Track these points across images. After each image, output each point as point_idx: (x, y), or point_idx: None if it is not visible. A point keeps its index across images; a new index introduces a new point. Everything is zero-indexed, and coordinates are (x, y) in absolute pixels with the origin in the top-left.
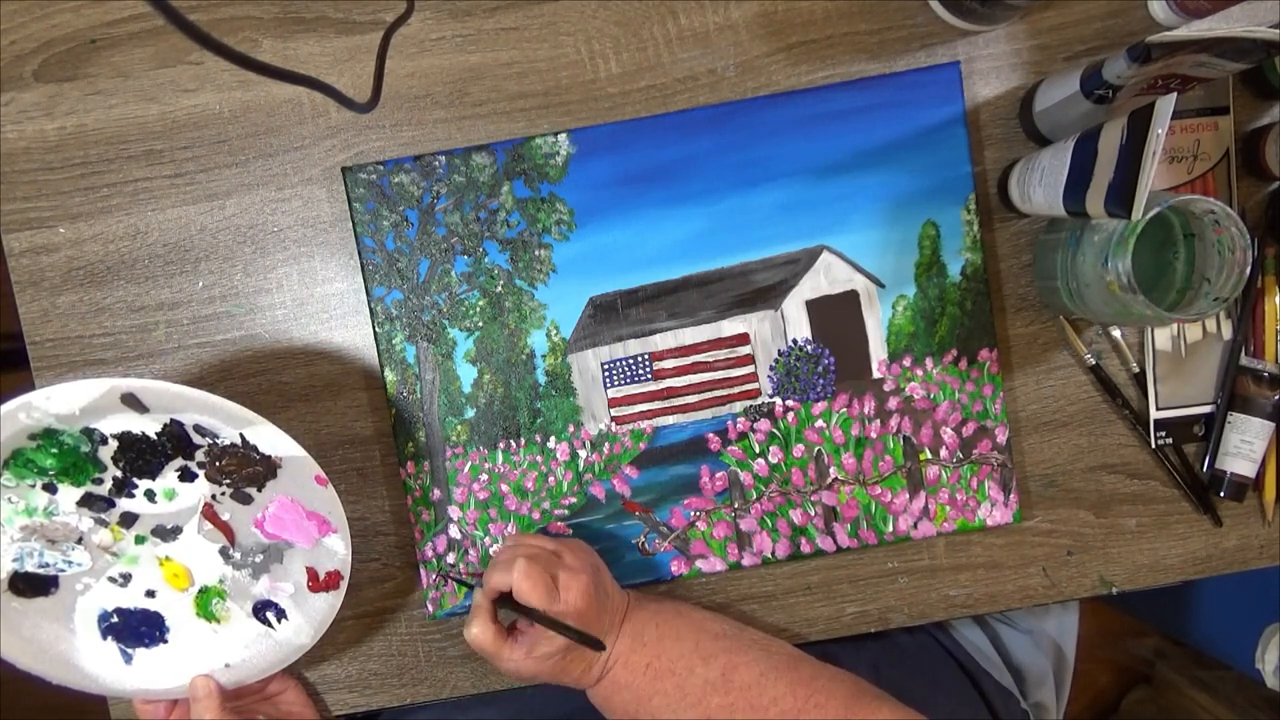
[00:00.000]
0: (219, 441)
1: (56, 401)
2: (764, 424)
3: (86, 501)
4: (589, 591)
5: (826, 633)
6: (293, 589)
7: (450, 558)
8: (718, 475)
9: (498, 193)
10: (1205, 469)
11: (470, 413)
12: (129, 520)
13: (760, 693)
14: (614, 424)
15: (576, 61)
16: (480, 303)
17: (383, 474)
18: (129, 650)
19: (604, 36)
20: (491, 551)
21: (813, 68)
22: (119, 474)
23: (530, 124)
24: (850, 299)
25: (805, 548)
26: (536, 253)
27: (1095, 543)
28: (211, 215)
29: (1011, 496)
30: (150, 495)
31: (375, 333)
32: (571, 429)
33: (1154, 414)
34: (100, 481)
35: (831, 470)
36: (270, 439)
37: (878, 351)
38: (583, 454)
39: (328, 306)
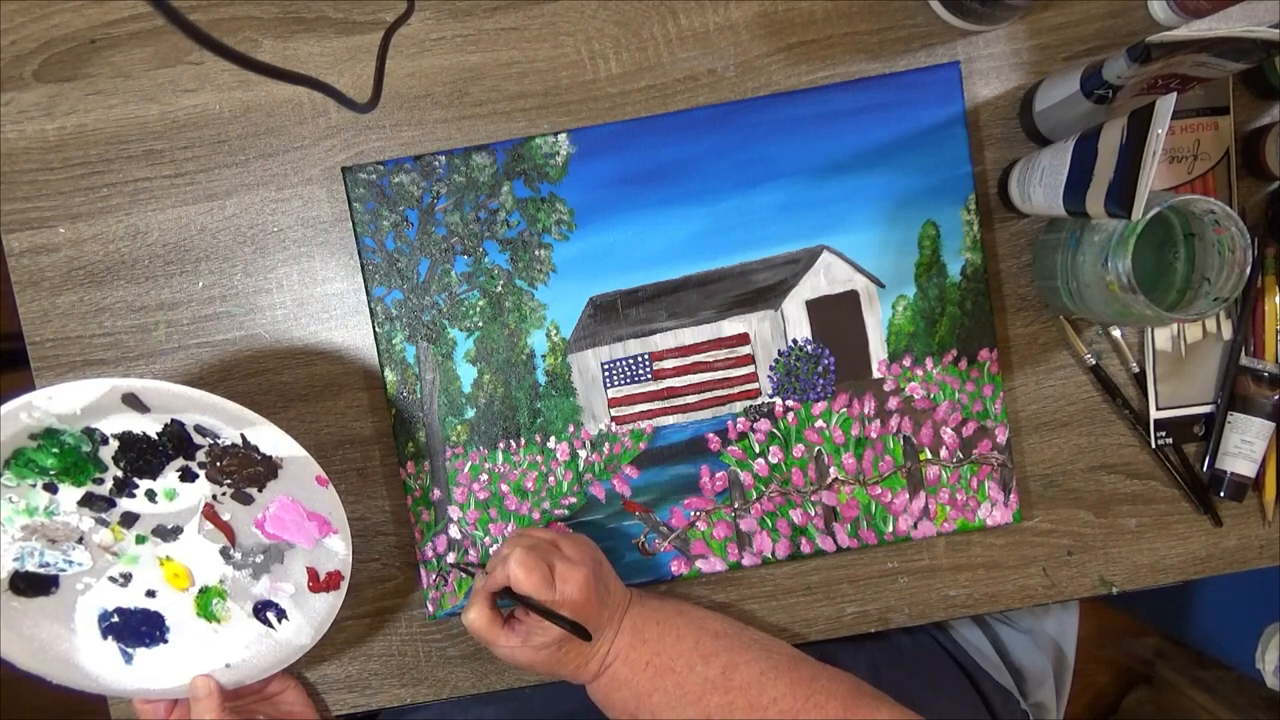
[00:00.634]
0: (220, 442)
1: (58, 401)
2: (764, 424)
3: (87, 501)
4: (587, 585)
5: (826, 633)
6: (293, 589)
7: (450, 558)
8: (718, 475)
9: (498, 193)
10: (1205, 469)
11: (470, 413)
12: (130, 520)
13: (760, 692)
14: (614, 424)
15: (576, 61)
16: (480, 303)
17: (383, 474)
18: (129, 650)
19: (604, 36)
20: (492, 551)
21: (813, 68)
22: (120, 474)
23: (530, 124)
24: (850, 299)
25: (805, 548)
26: (536, 253)
27: (1095, 543)
28: (211, 215)
29: (1011, 496)
30: (151, 495)
31: (375, 333)
32: (571, 429)
33: (1154, 414)
34: (101, 481)
35: (831, 470)
36: (271, 439)
37: (878, 351)
38: (583, 454)
39: (328, 306)
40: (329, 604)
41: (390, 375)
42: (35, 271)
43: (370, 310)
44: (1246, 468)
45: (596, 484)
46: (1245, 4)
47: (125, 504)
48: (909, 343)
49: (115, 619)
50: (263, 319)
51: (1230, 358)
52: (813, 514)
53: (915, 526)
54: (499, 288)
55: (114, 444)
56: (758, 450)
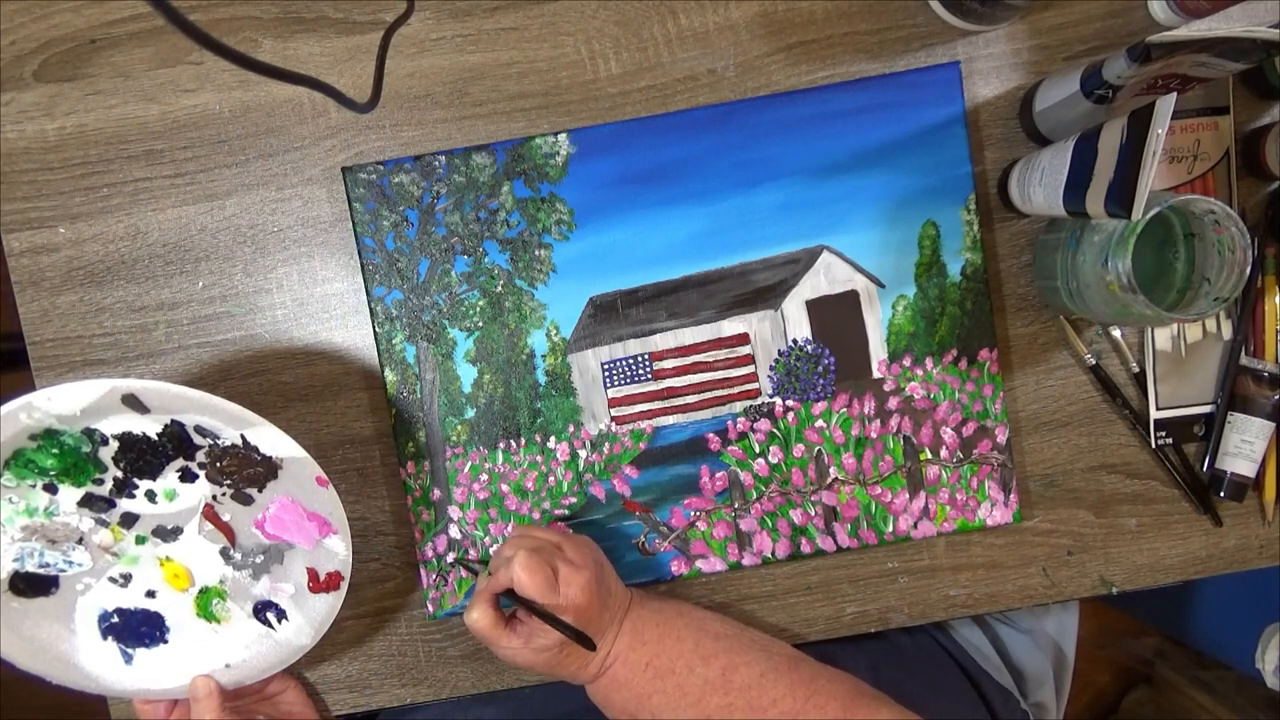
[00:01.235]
0: (220, 442)
1: (58, 402)
2: (764, 424)
3: (87, 502)
4: (590, 588)
5: (826, 633)
6: (293, 590)
7: (450, 557)
8: (718, 475)
9: (498, 193)
10: (1205, 469)
11: (470, 413)
12: (129, 520)
13: (760, 693)
14: (614, 424)
15: (576, 61)
16: (480, 303)
17: (383, 474)
18: (129, 650)
19: (604, 36)
20: (492, 551)
21: (812, 68)
22: (119, 474)
23: (530, 124)
24: (850, 299)
25: (805, 548)
26: (536, 253)
27: (1095, 543)
28: (211, 215)
29: (1011, 496)
30: (151, 496)
31: (375, 333)
32: (571, 429)
33: (1154, 414)
34: (101, 482)
35: (831, 470)
36: (271, 440)
37: (878, 351)
38: (583, 454)
39: (328, 306)
40: (329, 604)
41: (390, 375)
42: (35, 271)
43: (370, 310)
44: (1246, 468)
45: (596, 484)
46: (1245, 4)
47: (125, 504)
48: (909, 343)
49: (115, 619)
50: (263, 319)
51: (1230, 358)
52: (813, 514)
53: (915, 526)
54: (499, 288)
55: (114, 444)
56: (758, 450)
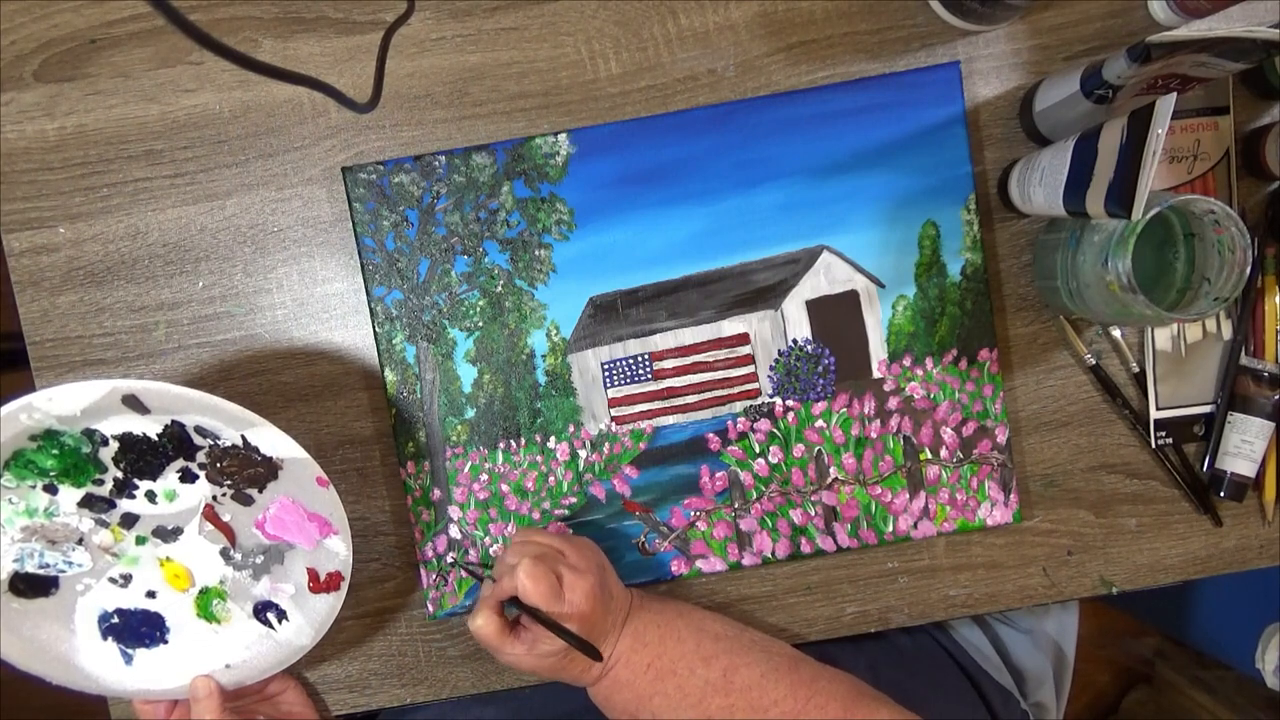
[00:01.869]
0: (220, 443)
1: (58, 403)
2: (764, 424)
3: (87, 502)
4: (594, 593)
5: (826, 633)
6: (293, 590)
7: (450, 557)
8: (718, 475)
9: (498, 193)
10: (1205, 469)
11: (470, 413)
12: (130, 521)
13: (761, 694)
14: (614, 424)
15: (576, 61)
16: (480, 303)
17: (383, 474)
18: (129, 651)
19: (604, 36)
20: (492, 552)
21: (813, 68)
22: (120, 475)
23: (530, 124)
24: (850, 299)
25: (805, 548)
26: (536, 253)
27: (1095, 543)
28: (211, 215)
29: (1011, 496)
30: (151, 496)
31: (375, 333)
32: (571, 429)
33: (1154, 414)
34: (101, 482)
35: (831, 470)
36: (271, 440)
37: (878, 351)
38: (583, 454)
39: (328, 306)
40: (329, 605)
41: (390, 375)
42: (35, 271)
43: (370, 310)
44: (1246, 468)
45: (596, 484)
46: (1245, 4)
47: (125, 505)
48: (909, 343)
49: (115, 620)
50: (263, 319)
51: (1230, 358)
52: (813, 514)
53: (915, 526)
54: (499, 288)
55: (114, 445)
56: (758, 450)
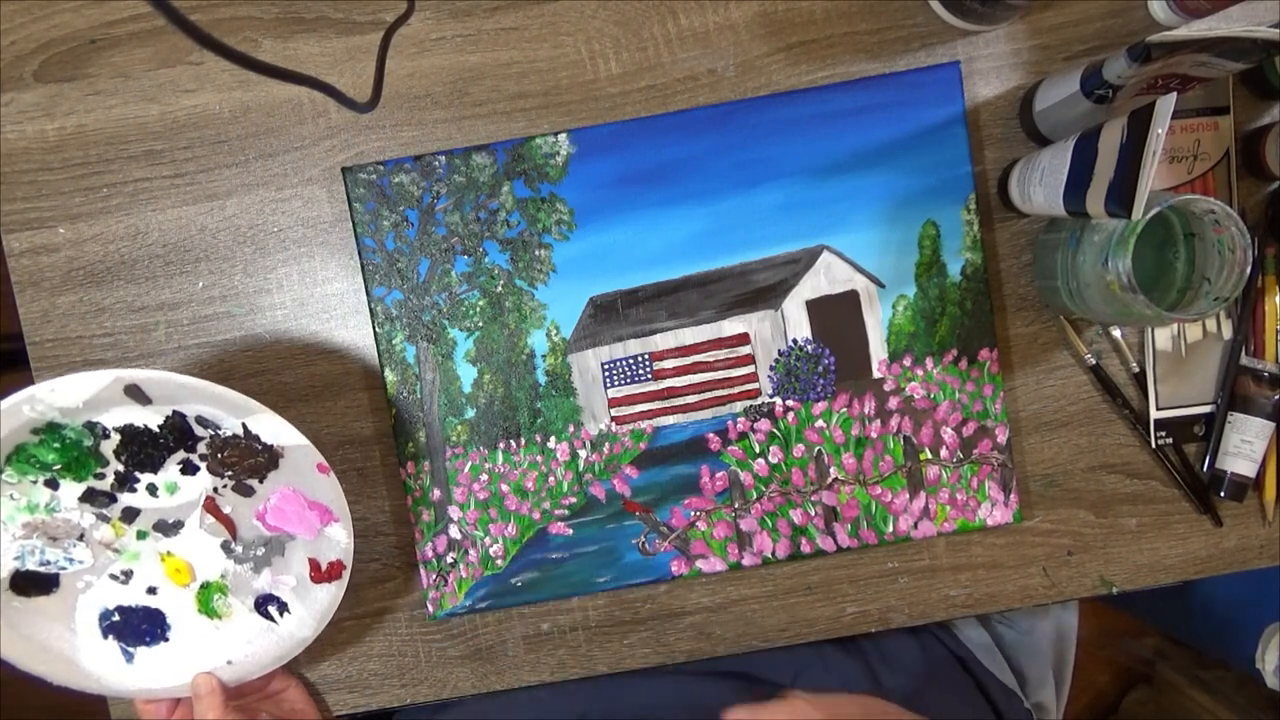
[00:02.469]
0: (221, 433)
1: (60, 394)
2: (764, 424)
3: (88, 497)
4: None
5: (826, 633)
6: (294, 581)
7: (450, 558)
8: (718, 475)
9: (498, 193)
10: (1205, 469)
11: (470, 413)
12: (131, 515)
13: None
14: (614, 424)
15: (576, 61)
16: (480, 303)
17: (383, 474)
18: (130, 649)
19: (604, 36)
20: (492, 552)
21: (813, 68)
22: (121, 468)
23: (530, 124)
24: (850, 299)
25: (805, 548)
26: (536, 253)
27: (1095, 543)
28: (211, 215)
29: (1011, 496)
30: (152, 489)
31: (375, 333)
32: (571, 429)
33: (1154, 414)
34: (102, 476)
35: (831, 470)
36: (272, 428)
37: (878, 351)
38: (583, 454)
39: (328, 306)
40: (331, 595)
41: (390, 375)
42: (35, 271)
43: (370, 310)
44: (1246, 468)
45: (596, 484)
46: (1245, 4)
47: (126, 499)
48: (909, 342)
49: (116, 617)
50: (263, 319)
51: (1230, 358)
52: (813, 514)
53: (915, 526)
54: (499, 288)
55: (115, 438)
56: (758, 450)
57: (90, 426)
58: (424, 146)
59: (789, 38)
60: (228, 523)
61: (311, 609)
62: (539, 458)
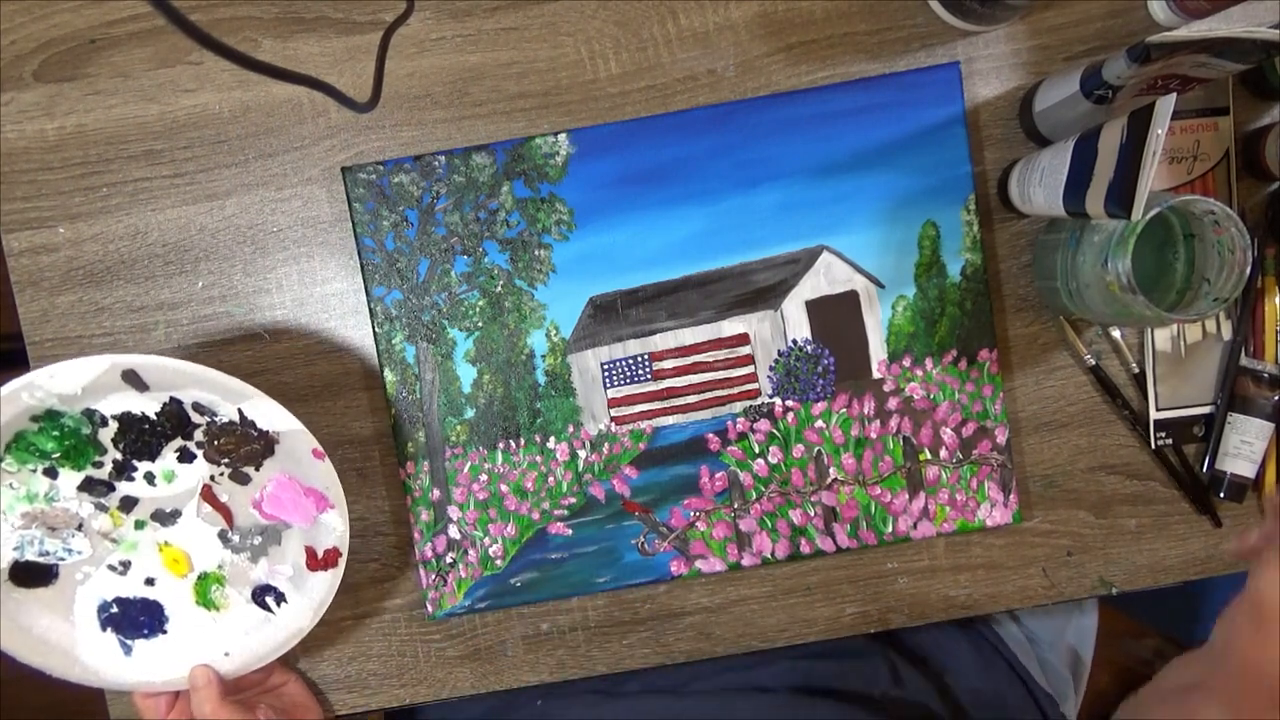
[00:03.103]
0: (217, 419)
1: (59, 380)
2: (764, 424)
3: (87, 486)
4: None
5: (826, 633)
6: (291, 571)
7: (449, 558)
8: (717, 475)
9: (498, 193)
10: (1205, 469)
11: (470, 413)
12: (129, 504)
13: None
14: (614, 424)
15: (576, 61)
16: (480, 303)
17: (382, 474)
18: (129, 642)
19: (604, 36)
20: (491, 552)
21: (813, 68)
22: (119, 456)
23: (530, 124)
24: (850, 299)
25: (805, 548)
26: (536, 253)
27: (1095, 543)
28: (211, 215)
29: (1011, 497)
30: (150, 478)
31: (375, 333)
32: (571, 429)
33: (1154, 414)
34: (100, 465)
35: (831, 470)
36: (268, 413)
37: (877, 352)
38: (582, 454)
39: (327, 306)
40: (328, 583)
41: (390, 375)
42: (35, 271)
43: (370, 310)
44: (1246, 468)
45: (596, 484)
46: (1245, 4)
47: (124, 488)
48: (909, 343)
49: (114, 609)
50: (262, 319)
51: (1230, 358)
52: (812, 514)
53: (915, 527)
54: (499, 288)
55: (113, 425)
56: (757, 450)
57: (89, 414)
58: (424, 146)
59: (789, 38)
60: (225, 511)
61: (308, 598)
62: (538, 458)
